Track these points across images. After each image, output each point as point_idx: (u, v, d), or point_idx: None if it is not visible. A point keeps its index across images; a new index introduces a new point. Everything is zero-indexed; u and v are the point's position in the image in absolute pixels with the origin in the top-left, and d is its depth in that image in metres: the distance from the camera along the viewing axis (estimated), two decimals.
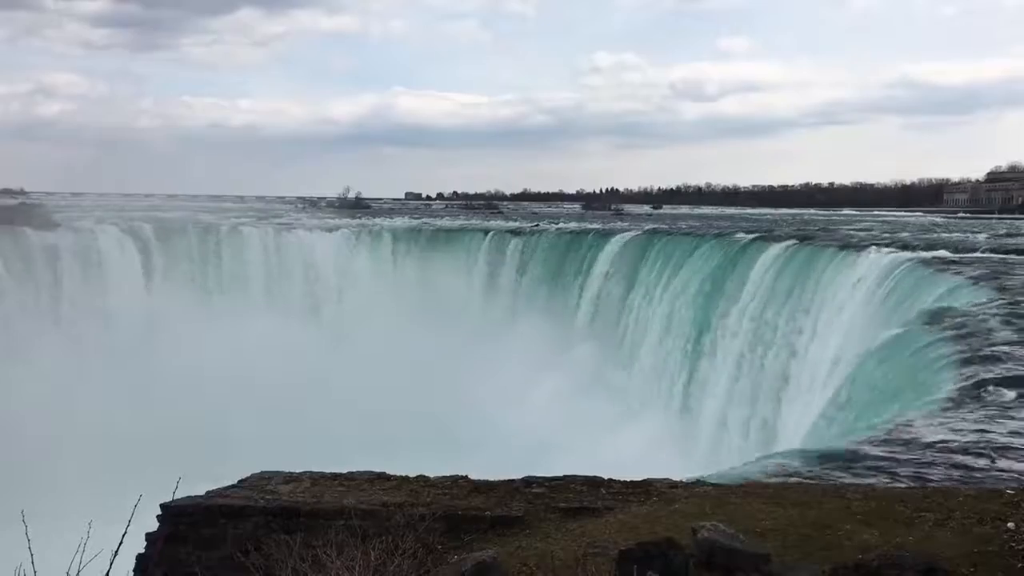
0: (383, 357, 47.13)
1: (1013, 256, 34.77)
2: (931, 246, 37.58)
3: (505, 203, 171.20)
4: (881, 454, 12.33)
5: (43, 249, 50.61)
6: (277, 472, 11.42)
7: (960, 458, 12.12)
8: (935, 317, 21.88)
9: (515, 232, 62.32)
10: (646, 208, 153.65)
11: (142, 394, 40.50)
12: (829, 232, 49.53)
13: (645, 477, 10.80)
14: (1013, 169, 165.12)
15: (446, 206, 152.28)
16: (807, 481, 11.14)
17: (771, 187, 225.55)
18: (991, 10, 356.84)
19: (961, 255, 34.99)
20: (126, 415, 38.16)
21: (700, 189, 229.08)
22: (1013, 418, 13.91)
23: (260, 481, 11.16)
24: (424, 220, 77.57)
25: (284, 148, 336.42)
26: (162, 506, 10.49)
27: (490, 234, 62.48)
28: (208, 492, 10.92)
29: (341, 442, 35.14)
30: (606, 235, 57.06)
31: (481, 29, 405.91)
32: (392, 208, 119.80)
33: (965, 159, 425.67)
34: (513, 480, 10.82)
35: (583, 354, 47.72)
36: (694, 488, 10.49)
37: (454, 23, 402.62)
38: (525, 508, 9.94)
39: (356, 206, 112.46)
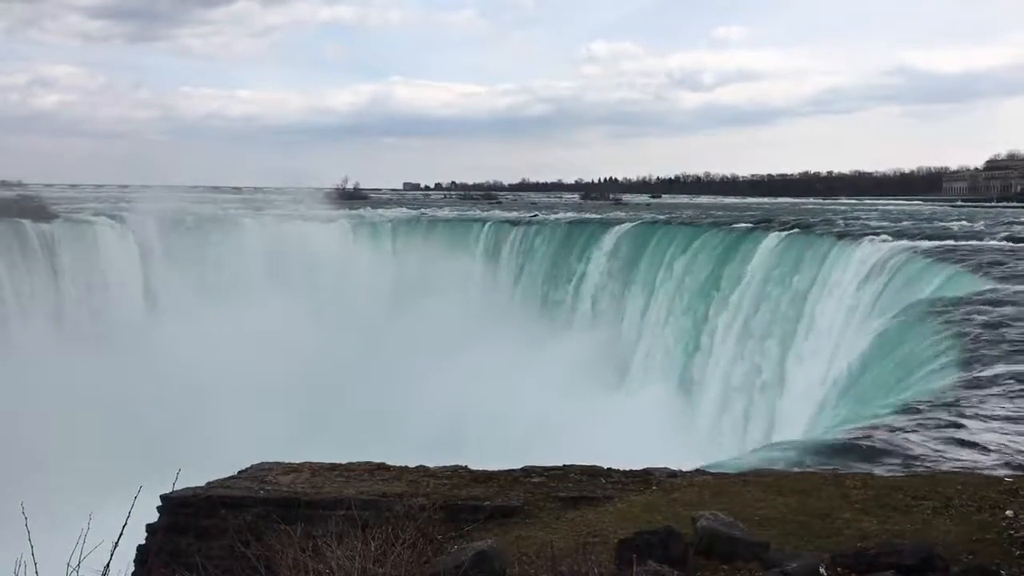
0: (382, 347, 47.17)
1: (1014, 244, 34.80)
2: (931, 235, 37.59)
3: (504, 193, 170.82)
4: (880, 443, 12.34)
5: (41, 240, 50.53)
6: (277, 463, 11.42)
7: (958, 446, 12.14)
8: (935, 305, 21.90)
9: (514, 222, 62.26)
10: (645, 197, 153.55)
11: (141, 385, 40.51)
12: (828, 221, 49.51)
13: (645, 466, 10.81)
14: (1012, 157, 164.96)
15: (445, 196, 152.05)
16: (806, 470, 11.15)
17: (770, 176, 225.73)
18: None
19: (960, 243, 35.02)
20: (125, 406, 38.19)
21: (699, 178, 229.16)
22: (1014, 405, 13.92)
23: (260, 472, 11.17)
24: (423, 211, 77.41)
25: (282, 138, 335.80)
26: (162, 497, 10.50)
27: (488, 224, 62.44)
28: (208, 483, 10.92)
29: (341, 432, 35.22)
30: (605, 225, 57.02)
31: (479, 18, 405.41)
32: (391, 199, 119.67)
33: (964, 147, 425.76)
34: (512, 470, 10.83)
35: (583, 342, 47.72)
36: (693, 477, 10.50)
37: (452, 13, 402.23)
38: (524, 498, 9.94)
39: (354, 197, 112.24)
